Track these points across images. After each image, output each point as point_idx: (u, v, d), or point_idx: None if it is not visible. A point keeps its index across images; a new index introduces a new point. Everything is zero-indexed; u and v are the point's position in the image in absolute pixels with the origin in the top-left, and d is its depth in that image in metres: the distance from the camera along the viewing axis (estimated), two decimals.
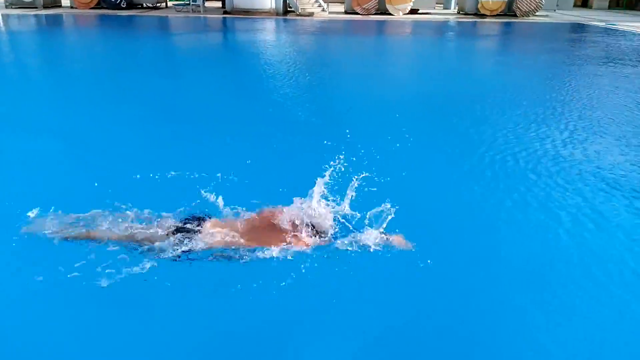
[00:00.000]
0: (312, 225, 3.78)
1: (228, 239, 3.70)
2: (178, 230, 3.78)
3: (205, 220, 3.90)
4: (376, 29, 20.40)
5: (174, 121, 7.25)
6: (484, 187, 5.21)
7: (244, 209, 4.16)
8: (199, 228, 3.78)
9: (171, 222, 3.89)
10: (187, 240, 3.68)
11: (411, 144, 6.12)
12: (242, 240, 3.70)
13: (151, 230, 3.75)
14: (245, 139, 6.46)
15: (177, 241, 3.67)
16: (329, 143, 5.73)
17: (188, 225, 3.82)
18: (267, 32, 18.63)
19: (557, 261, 3.90)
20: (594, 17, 25.17)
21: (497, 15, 24.56)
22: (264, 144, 6.28)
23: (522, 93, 9.44)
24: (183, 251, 3.61)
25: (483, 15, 24.53)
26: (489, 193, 5.08)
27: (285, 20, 22.10)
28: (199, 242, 3.67)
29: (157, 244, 3.67)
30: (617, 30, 19.82)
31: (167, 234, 3.74)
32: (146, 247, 3.66)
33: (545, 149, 6.19)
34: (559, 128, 7.03)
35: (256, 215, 3.98)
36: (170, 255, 3.59)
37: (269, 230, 3.79)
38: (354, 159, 4.59)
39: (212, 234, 3.72)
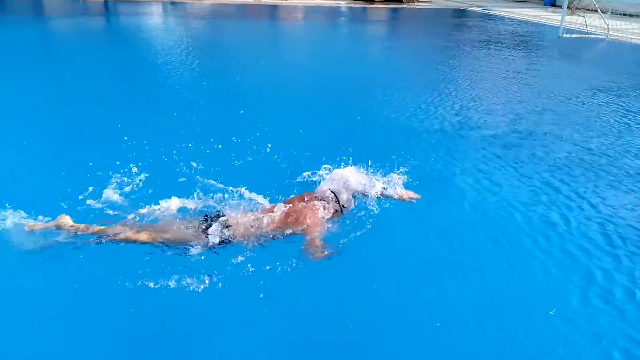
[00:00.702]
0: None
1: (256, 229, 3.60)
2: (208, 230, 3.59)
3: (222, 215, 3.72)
4: (268, 14, 20.30)
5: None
6: (389, 161, 5.46)
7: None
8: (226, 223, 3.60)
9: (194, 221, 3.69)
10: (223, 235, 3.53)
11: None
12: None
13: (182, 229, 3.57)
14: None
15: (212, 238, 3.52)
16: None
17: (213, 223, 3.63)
18: (151, 17, 17.69)
19: (462, 226, 4.27)
20: (473, 3, 26.90)
21: (385, 1, 25.47)
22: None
23: (413, 76, 9.90)
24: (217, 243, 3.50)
25: (372, 1, 25.32)
26: (394, 167, 5.33)
27: (173, 4, 21.28)
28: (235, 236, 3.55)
29: (192, 243, 3.51)
30: (495, 15, 21.33)
31: (196, 231, 3.56)
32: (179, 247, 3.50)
33: (442, 126, 6.62)
34: (453, 108, 7.52)
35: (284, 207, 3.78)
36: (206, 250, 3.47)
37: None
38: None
39: (244, 224, 3.59)
